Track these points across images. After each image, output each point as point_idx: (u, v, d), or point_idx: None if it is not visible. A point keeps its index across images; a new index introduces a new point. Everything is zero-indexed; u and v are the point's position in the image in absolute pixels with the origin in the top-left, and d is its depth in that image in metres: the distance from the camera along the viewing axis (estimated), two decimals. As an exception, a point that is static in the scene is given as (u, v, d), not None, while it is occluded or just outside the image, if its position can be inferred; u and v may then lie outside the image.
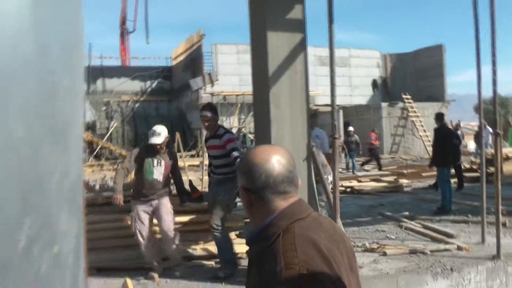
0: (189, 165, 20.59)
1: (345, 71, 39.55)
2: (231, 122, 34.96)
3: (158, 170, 6.81)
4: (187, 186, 7.59)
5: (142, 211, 6.74)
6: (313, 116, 10.15)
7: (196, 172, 20.85)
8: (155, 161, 6.82)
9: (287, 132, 6.03)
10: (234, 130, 33.59)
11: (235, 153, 6.58)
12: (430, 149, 24.31)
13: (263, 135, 6.19)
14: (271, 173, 1.85)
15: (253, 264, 1.92)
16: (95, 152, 30.80)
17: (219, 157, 6.83)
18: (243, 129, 33.74)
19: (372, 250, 7.50)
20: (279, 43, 6.07)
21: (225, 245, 6.75)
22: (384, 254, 7.27)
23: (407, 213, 10.46)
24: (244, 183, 1.94)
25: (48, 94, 1.09)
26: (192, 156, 29.52)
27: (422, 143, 31.65)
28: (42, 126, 1.09)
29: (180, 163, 17.76)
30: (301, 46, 6.18)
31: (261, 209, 1.89)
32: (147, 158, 6.83)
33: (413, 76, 41.85)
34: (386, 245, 7.70)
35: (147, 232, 6.74)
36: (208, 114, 6.80)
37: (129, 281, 6.22)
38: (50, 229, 1.18)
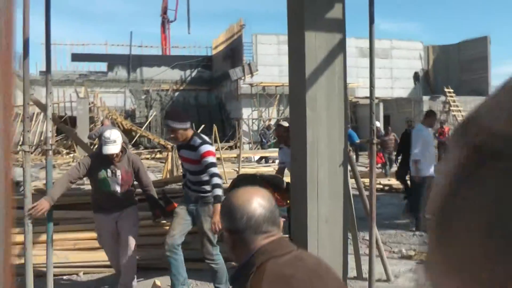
0: (225, 157, 20.42)
1: (386, 63, 38.98)
2: (270, 113, 34.79)
3: (114, 181, 5.96)
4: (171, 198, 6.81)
5: (104, 226, 6.08)
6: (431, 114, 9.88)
7: (233, 163, 20.74)
8: (109, 171, 5.93)
9: (323, 136, 5.84)
10: (273, 122, 33.47)
11: (213, 170, 5.60)
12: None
13: (298, 138, 6.01)
14: (252, 215, 1.95)
15: None
16: (133, 141, 30.93)
17: (195, 173, 5.86)
18: (282, 120, 33.51)
19: (409, 258, 7.28)
20: (317, 44, 5.88)
21: (222, 270, 5.90)
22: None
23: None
24: (227, 225, 2.04)
25: None
26: (230, 147, 29.47)
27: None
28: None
29: (217, 155, 17.80)
30: (340, 47, 5.98)
31: (243, 249, 1.98)
32: (100, 168, 5.93)
33: (456, 68, 41.01)
34: (424, 252, 7.46)
35: (114, 249, 6.15)
36: (172, 124, 5.71)
37: (158, 282, 6.12)
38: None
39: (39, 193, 7.46)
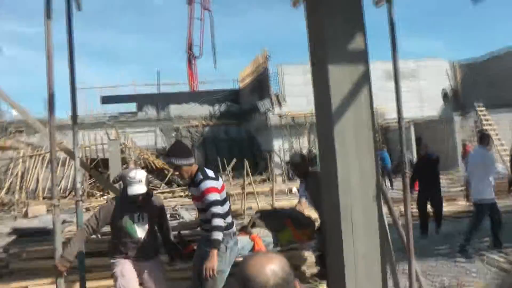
0: (259, 191, 20.25)
1: (414, 84, 38.73)
2: (301, 142, 34.67)
3: (141, 227, 5.54)
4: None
5: (128, 266, 5.53)
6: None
7: (266, 196, 20.59)
8: (136, 216, 5.52)
9: (354, 170, 5.70)
10: (304, 151, 33.25)
11: (213, 210, 5.09)
12: (508, 163, 23.31)
13: (328, 174, 5.88)
14: (264, 285, 1.96)
15: None
16: (166, 179, 30.97)
17: (201, 210, 5.44)
18: (313, 149, 33.39)
19: (451, 289, 7.02)
20: (341, 77, 5.78)
21: None
22: (465, 295, 6.76)
23: (488, 242, 9.59)
24: None
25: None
26: (264, 180, 29.32)
27: (498, 156, 30.35)
28: None
29: (250, 189, 17.63)
30: (365, 78, 5.87)
31: None
32: (125, 214, 5.49)
33: (486, 84, 40.37)
34: (466, 284, 7.15)
35: None
36: (176, 161, 5.32)
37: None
38: None
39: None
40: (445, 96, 40.74)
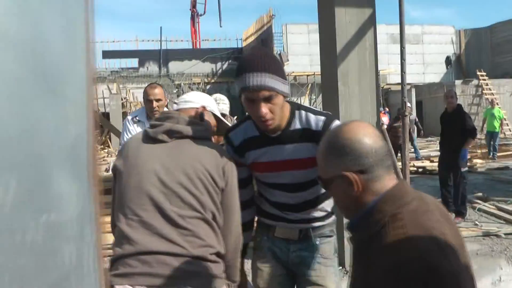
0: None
1: (418, 49, 38.70)
2: (302, 102, 34.77)
3: None
4: None
5: None
6: None
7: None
8: None
9: (355, 110, 5.89)
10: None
11: None
12: (506, 127, 23.53)
13: (331, 113, 6.07)
14: (377, 146, 1.61)
15: (358, 255, 1.68)
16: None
17: (306, 186, 2.68)
18: (314, 110, 33.46)
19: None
20: (347, 19, 5.93)
21: None
22: (457, 236, 7.04)
23: (480, 194, 10.16)
24: (350, 166, 1.61)
25: (32, 35, 0.96)
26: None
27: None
28: (27, 72, 0.95)
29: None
30: (371, 22, 6.02)
31: (366, 192, 1.62)
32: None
33: (489, 51, 40.41)
34: (459, 227, 7.45)
35: None
36: (272, 82, 2.37)
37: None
38: (42, 191, 1.01)
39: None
40: (448, 61, 40.72)
